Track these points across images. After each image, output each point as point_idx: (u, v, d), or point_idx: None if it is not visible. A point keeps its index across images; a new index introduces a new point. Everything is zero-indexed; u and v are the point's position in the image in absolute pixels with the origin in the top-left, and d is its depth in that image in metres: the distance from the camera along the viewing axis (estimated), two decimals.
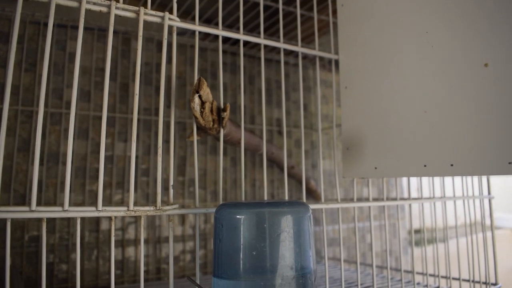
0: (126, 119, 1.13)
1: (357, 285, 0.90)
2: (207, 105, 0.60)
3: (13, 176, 0.99)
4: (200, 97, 0.58)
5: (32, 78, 1.04)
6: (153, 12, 0.62)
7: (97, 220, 1.07)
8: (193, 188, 1.19)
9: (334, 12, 0.95)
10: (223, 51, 1.28)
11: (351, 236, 1.42)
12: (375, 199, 0.79)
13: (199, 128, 0.64)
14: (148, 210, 0.58)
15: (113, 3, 0.59)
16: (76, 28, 1.11)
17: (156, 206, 0.58)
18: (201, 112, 0.60)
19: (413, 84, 0.66)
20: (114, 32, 1.15)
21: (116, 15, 0.61)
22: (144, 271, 1.11)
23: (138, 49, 0.60)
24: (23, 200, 1.00)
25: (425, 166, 0.64)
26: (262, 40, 0.72)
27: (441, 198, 0.89)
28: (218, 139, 0.71)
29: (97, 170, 1.08)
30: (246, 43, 1.24)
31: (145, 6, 0.63)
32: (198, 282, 0.60)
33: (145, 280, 1.11)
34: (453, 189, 0.93)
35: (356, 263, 0.75)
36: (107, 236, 1.08)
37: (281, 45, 0.73)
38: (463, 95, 0.60)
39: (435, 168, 0.62)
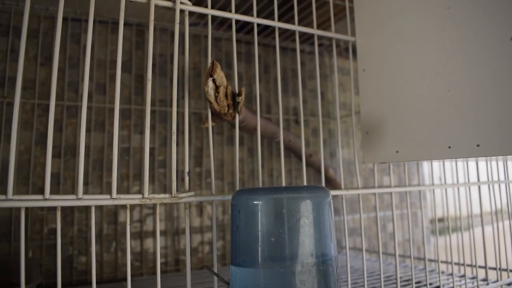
0: (142, 111, 1.12)
1: (379, 275, 0.88)
2: (222, 90, 0.58)
3: (31, 169, 0.99)
4: (214, 81, 0.57)
5: (48, 72, 1.04)
6: None
7: (115, 212, 1.07)
8: (210, 179, 1.18)
9: None
10: (238, 40, 1.27)
11: (371, 225, 1.40)
12: (396, 186, 0.77)
13: (214, 114, 0.62)
14: (164, 197, 0.57)
15: None
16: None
17: (171, 194, 0.57)
18: (216, 97, 0.58)
19: (434, 62, 0.63)
20: (128, 24, 1.15)
21: (127, 1, 0.59)
22: (163, 263, 1.11)
23: (150, 34, 0.58)
24: (42, 192, 1.00)
25: (449, 147, 0.61)
26: (276, 23, 0.70)
27: (464, 184, 0.86)
28: (234, 126, 0.69)
29: None
30: (260, 31, 1.22)
31: None
32: (216, 271, 0.59)
33: (164, 272, 1.11)
34: (477, 174, 0.89)
35: (379, 252, 0.73)
36: (125, 228, 1.08)
37: (296, 27, 0.71)
38: (488, 72, 0.57)
39: (460, 149, 0.59)
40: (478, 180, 0.88)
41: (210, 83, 0.57)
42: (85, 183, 1.05)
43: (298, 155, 1.03)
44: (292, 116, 1.31)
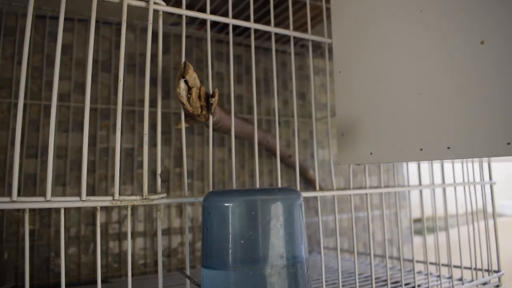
0: (122, 111, 1.11)
1: (359, 275, 0.88)
2: (194, 91, 0.58)
3: (7, 170, 0.98)
4: (186, 82, 0.57)
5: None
6: None
7: (93, 213, 1.06)
8: (191, 180, 1.18)
9: None
10: (220, 41, 1.26)
11: (350, 225, 1.41)
12: (373, 187, 0.77)
13: (187, 115, 0.62)
14: (135, 199, 0.57)
15: None
16: (69, 20, 1.09)
17: (142, 196, 0.57)
18: (188, 98, 0.58)
19: (407, 65, 0.64)
20: (108, 23, 1.14)
21: (99, 0, 0.59)
22: (142, 264, 1.10)
23: (122, 35, 0.58)
24: (19, 194, 0.99)
25: (421, 150, 0.61)
26: (252, 24, 0.69)
27: (440, 185, 0.87)
28: (207, 126, 0.69)
29: (93, 163, 1.07)
30: (242, 32, 1.22)
31: None
32: (188, 273, 0.59)
33: (143, 273, 1.10)
34: (453, 176, 0.90)
35: (354, 252, 0.73)
36: (104, 229, 1.07)
37: (272, 29, 0.71)
38: (459, 75, 0.57)
39: (432, 151, 0.60)
40: (454, 181, 0.89)
41: (182, 84, 0.56)
42: (63, 184, 1.03)
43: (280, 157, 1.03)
44: (273, 117, 1.31)
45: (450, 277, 0.89)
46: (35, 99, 1.03)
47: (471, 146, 0.56)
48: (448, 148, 0.58)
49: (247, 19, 0.71)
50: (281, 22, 1.11)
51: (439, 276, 0.90)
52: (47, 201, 0.52)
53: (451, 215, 0.90)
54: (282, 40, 1.29)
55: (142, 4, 0.61)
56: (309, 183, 1.17)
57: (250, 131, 0.84)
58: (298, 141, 1.34)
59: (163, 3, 0.63)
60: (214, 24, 1.15)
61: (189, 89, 0.58)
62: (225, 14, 0.69)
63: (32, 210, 0.99)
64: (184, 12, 0.64)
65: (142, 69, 1.15)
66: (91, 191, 1.06)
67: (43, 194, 1.00)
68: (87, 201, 0.54)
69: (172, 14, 0.63)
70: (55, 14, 1.07)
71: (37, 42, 1.05)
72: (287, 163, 1.07)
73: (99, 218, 0.56)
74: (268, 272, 0.50)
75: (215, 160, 1.21)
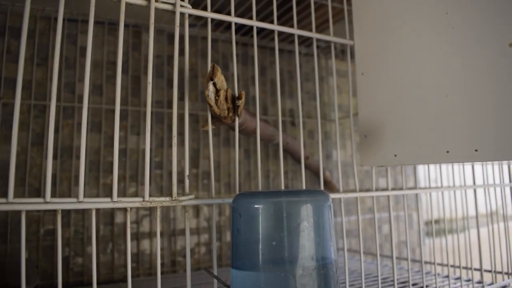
0: (139, 112, 1.12)
1: (375, 276, 0.88)
2: (222, 93, 0.59)
3: (27, 170, 0.99)
4: (214, 84, 0.57)
5: (44, 73, 1.04)
6: None
7: (111, 213, 1.07)
8: (207, 181, 1.18)
9: None
10: (235, 42, 1.26)
11: (366, 227, 1.41)
12: (393, 189, 0.78)
13: (214, 117, 0.62)
14: (164, 200, 0.57)
15: None
16: (86, 22, 1.10)
17: (171, 197, 0.57)
18: (216, 100, 0.59)
19: (433, 67, 0.64)
20: (125, 25, 1.14)
21: (127, 3, 0.59)
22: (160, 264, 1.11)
23: (150, 38, 0.59)
24: (38, 194, 1.00)
25: (447, 152, 0.61)
26: (276, 27, 0.70)
27: (461, 187, 0.87)
28: (233, 129, 0.69)
29: (111, 163, 1.08)
30: (257, 33, 1.22)
31: None
32: (215, 273, 0.59)
33: (161, 273, 1.10)
34: (473, 178, 0.90)
35: (376, 254, 0.74)
36: (122, 229, 1.08)
37: (296, 31, 0.71)
38: (486, 77, 0.57)
39: (458, 154, 0.60)
40: (474, 183, 0.89)
41: (211, 87, 0.57)
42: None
43: (295, 157, 1.04)
44: (288, 117, 1.32)
45: (469, 280, 0.89)
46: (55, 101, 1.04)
47: (499, 149, 0.56)
48: (476, 150, 0.58)
49: (264, 19, 0.71)
50: (298, 22, 1.11)
51: (458, 278, 0.90)
52: (80, 202, 0.53)
53: (470, 217, 0.90)
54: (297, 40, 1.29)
55: (169, 7, 0.62)
56: (324, 184, 1.18)
57: (271, 132, 0.84)
58: (313, 142, 1.34)
59: (189, 5, 0.63)
60: (229, 25, 1.15)
61: (217, 91, 0.58)
62: (243, 15, 0.69)
63: (51, 210, 1.00)
64: (209, 14, 0.65)
65: (159, 70, 1.16)
66: (109, 191, 1.07)
67: (63, 193, 1.02)
68: (118, 202, 0.55)
69: (190, 15, 0.63)
70: (73, 17, 1.08)
71: (54, 44, 1.06)
72: (304, 164, 1.07)
73: (129, 219, 0.56)
74: (299, 273, 0.50)
75: (230, 160, 1.22)
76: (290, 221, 0.51)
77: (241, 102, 0.61)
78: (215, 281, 0.61)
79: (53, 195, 1.01)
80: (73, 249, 1.02)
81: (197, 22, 1.14)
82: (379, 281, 0.74)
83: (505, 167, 0.96)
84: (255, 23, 0.68)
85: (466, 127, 0.59)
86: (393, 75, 0.70)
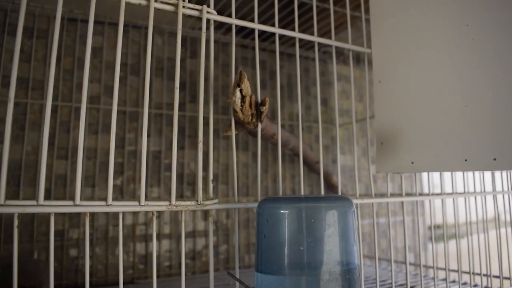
0: (150, 114, 1.13)
1: (391, 283, 0.90)
2: (247, 99, 0.59)
3: (38, 170, 0.99)
4: (241, 91, 0.58)
5: (56, 73, 1.04)
6: (191, 5, 0.62)
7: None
8: (216, 183, 1.19)
9: (356, 7, 0.94)
10: (245, 46, 1.28)
11: (371, 231, 1.42)
12: (408, 195, 0.79)
13: (237, 122, 0.63)
14: (190, 205, 0.58)
15: None
16: (100, 23, 1.10)
17: (197, 201, 0.58)
18: (241, 107, 0.59)
19: (452, 78, 0.65)
20: (137, 27, 1.15)
21: (155, 8, 0.60)
22: (167, 266, 1.11)
23: (178, 43, 0.59)
24: (49, 194, 1.00)
25: (466, 160, 0.63)
26: (297, 34, 0.71)
27: (475, 193, 0.89)
28: (252, 134, 0.70)
29: (121, 164, 1.08)
30: (268, 37, 1.24)
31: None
32: (238, 276, 0.60)
33: (168, 275, 1.11)
34: (481, 184, 0.92)
35: (390, 260, 0.75)
36: (131, 230, 1.08)
37: (316, 38, 0.72)
38: (506, 87, 0.59)
39: (477, 162, 0.61)
40: (494, 189, 0.90)
41: (238, 93, 0.58)
42: (92, 185, 1.05)
43: (307, 162, 1.05)
44: (296, 122, 1.33)
45: (477, 286, 0.91)
46: (66, 101, 1.04)
47: None
48: (495, 159, 0.60)
49: (272, 26, 0.72)
50: (308, 28, 1.13)
51: (465, 283, 0.92)
52: (108, 205, 0.53)
53: (474, 222, 0.92)
54: (306, 46, 1.31)
55: (196, 13, 0.62)
56: (331, 189, 1.19)
57: (287, 138, 0.85)
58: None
59: (215, 12, 0.64)
60: (240, 29, 1.16)
61: (243, 97, 0.59)
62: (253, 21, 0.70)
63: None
64: (234, 21, 0.66)
65: (170, 73, 1.17)
66: (119, 193, 1.07)
67: (72, 194, 1.02)
68: (145, 206, 0.55)
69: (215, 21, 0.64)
70: (86, 18, 1.08)
71: (68, 45, 1.06)
72: (313, 168, 1.09)
73: (155, 223, 0.57)
74: (326, 278, 0.51)
75: (239, 164, 1.23)
76: (317, 226, 0.52)
77: (265, 109, 0.62)
78: (238, 284, 0.61)
79: (63, 195, 1.01)
80: (82, 250, 1.02)
81: (210, 25, 1.15)
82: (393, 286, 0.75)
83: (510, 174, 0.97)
84: (277, 30, 0.69)
85: (485, 137, 0.61)
86: (411, 84, 0.71)
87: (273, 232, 0.54)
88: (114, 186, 1.07)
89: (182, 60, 1.18)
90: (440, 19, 0.68)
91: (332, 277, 0.52)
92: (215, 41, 1.23)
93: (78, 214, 1.03)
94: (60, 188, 1.01)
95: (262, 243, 0.55)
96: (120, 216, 0.55)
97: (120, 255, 0.55)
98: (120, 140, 1.09)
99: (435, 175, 1.27)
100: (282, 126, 1.26)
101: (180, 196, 1.13)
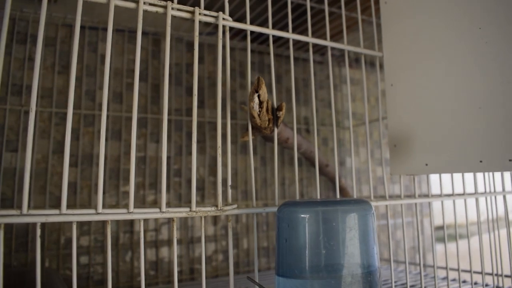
0: (158, 120, 1.13)
1: (405, 286, 0.90)
2: (264, 105, 0.60)
3: (48, 178, 0.99)
4: (259, 96, 0.58)
5: (65, 81, 1.04)
6: (207, 12, 0.62)
7: (131, 221, 1.07)
8: (225, 188, 1.19)
9: (364, 10, 0.95)
10: (252, 50, 1.28)
11: (379, 233, 1.42)
12: (421, 196, 0.79)
13: (253, 127, 0.64)
14: (209, 210, 0.58)
15: (169, 4, 0.59)
16: (106, 30, 1.11)
17: (217, 207, 0.58)
18: (259, 112, 0.60)
19: (465, 80, 0.66)
20: (144, 33, 1.15)
21: (159, 14, 0.60)
22: (178, 272, 1.11)
23: (195, 50, 0.60)
24: (58, 202, 1.00)
25: (481, 161, 0.63)
26: (310, 39, 0.71)
27: (489, 193, 0.89)
28: (266, 139, 0.71)
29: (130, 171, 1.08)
30: (273, 41, 1.24)
31: (198, 6, 0.62)
32: (257, 280, 0.60)
33: (179, 281, 1.11)
34: (484, 185, 0.92)
35: (405, 262, 0.75)
36: (141, 237, 1.08)
37: (329, 43, 0.73)
38: None
39: (492, 164, 0.62)
40: (505, 189, 0.91)
41: (256, 99, 0.58)
42: (102, 192, 1.05)
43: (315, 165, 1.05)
44: (303, 125, 1.33)
45: (487, 285, 0.91)
46: (75, 108, 1.04)
47: None
48: (510, 160, 0.60)
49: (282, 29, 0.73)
50: (314, 32, 1.13)
51: (476, 283, 0.92)
52: (130, 212, 0.54)
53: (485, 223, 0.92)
54: (313, 50, 1.31)
55: (212, 20, 0.63)
56: (340, 191, 1.19)
57: (300, 142, 0.86)
58: (327, 149, 1.36)
59: (230, 18, 0.64)
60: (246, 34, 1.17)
61: (260, 103, 0.60)
62: (261, 25, 0.70)
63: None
64: (249, 27, 0.66)
65: (178, 78, 1.17)
66: (128, 199, 1.07)
67: (82, 202, 1.02)
68: (166, 213, 0.55)
69: (209, 24, 0.64)
70: (94, 25, 1.08)
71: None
72: (323, 172, 1.09)
73: (175, 229, 0.57)
74: (349, 280, 0.52)
75: (247, 168, 1.23)
76: (339, 230, 0.53)
77: (282, 114, 0.62)
78: None
79: (73, 203, 1.01)
80: (93, 257, 1.02)
81: (216, 30, 1.16)
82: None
83: None
84: (291, 36, 0.69)
85: (500, 138, 0.61)
86: (424, 87, 0.72)
87: (294, 236, 0.54)
88: (124, 193, 1.07)
89: (189, 65, 1.19)
90: (452, 22, 0.68)
91: (354, 280, 0.52)
92: (223, 47, 1.23)
93: (89, 222, 1.03)
94: (70, 196, 1.01)
95: (283, 247, 0.55)
96: (141, 223, 0.56)
97: (142, 262, 0.55)
98: (128, 146, 1.09)
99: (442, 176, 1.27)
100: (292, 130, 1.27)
101: (188, 202, 1.13)
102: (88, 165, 1.04)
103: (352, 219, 0.54)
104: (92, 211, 0.52)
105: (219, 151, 0.60)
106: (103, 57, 1.09)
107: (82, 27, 1.07)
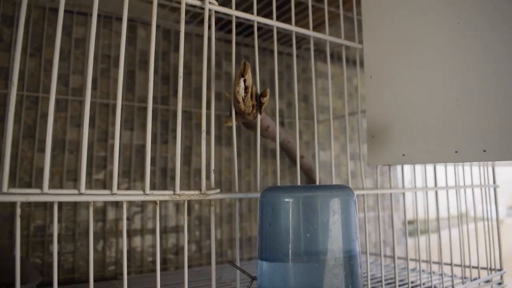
0: (132, 107, 1.11)
1: (380, 277, 0.92)
2: (249, 90, 0.60)
3: (18, 163, 0.96)
4: (244, 81, 0.58)
5: (37, 63, 1.01)
6: None
7: (103, 209, 1.05)
8: (198, 178, 1.18)
9: (346, 2, 0.96)
10: (228, 41, 1.28)
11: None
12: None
13: (237, 113, 0.64)
14: (193, 194, 0.58)
15: None
16: (82, 14, 1.08)
17: (201, 191, 0.58)
18: (244, 97, 0.60)
19: (443, 73, 0.68)
20: (119, 19, 1.13)
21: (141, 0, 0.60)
22: (150, 261, 1.10)
23: (181, 34, 0.59)
24: (29, 187, 0.97)
25: (456, 152, 0.66)
26: (294, 28, 0.72)
27: (452, 187, 0.93)
28: (248, 125, 0.71)
29: (104, 158, 1.06)
30: (251, 33, 1.24)
31: None
32: (239, 265, 0.61)
33: (152, 271, 1.10)
34: (455, 178, 0.96)
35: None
36: (114, 225, 1.06)
37: (311, 33, 0.74)
38: (496, 83, 0.62)
39: (467, 154, 0.64)
40: (464, 184, 0.95)
41: (242, 83, 0.58)
42: (74, 179, 1.02)
43: (291, 156, 1.06)
44: (279, 118, 1.34)
45: (465, 277, 0.94)
46: (47, 93, 1.01)
47: (506, 150, 0.61)
48: (484, 151, 0.63)
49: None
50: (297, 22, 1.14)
51: (441, 274, 0.95)
52: (113, 194, 0.53)
53: (453, 217, 0.96)
54: (289, 43, 1.32)
55: (198, 3, 0.62)
56: (313, 183, 1.21)
57: (279, 131, 0.86)
58: (301, 143, 1.37)
59: (216, 2, 0.64)
60: (225, 24, 1.16)
61: (245, 88, 0.60)
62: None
63: (42, 205, 0.98)
64: (234, 12, 0.66)
65: (154, 66, 1.15)
66: (102, 187, 1.05)
67: (55, 189, 0.99)
68: (150, 195, 0.55)
69: (187, 12, 0.64)
70: (69, 8, 1.05)
71: (49, 35, 1.03)
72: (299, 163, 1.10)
73: (158, 212, 0.57)
74: (332, 264, 0.53)
75: (222, 158, 1.23)
76: (322, 214, 0.54)
77: (265, 100, 0.62)
78: (238, 273, 0.62)
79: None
80: (64, 245, 1.00)
81: (193, 19, 1.15)
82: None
83: (490, 169, 1.02)
84: (275, 23, 0.70)
85: (475, 129, 0.64)
86: (402, 79, 0.74)
87: (278, 220, 0.55)
88: (97, 180, 1.05)
89: (165, 53, 1.17)
90: (431, 15, 0.71)
91: (337, 263, 0.53)
92: (197, 35, 1.22)
93: (61, 208, 1.00)
94: (39, 181, 0.98)
95: (267, 232, 0.55)
96: (124, 205, 0.55)
97: (124, 247, 0.54)
98: (103, 133, 1.07)
99: (409, 170, 1.31)
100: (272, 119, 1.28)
101: (164, 189, 1.12)
102: (60, 151, 1.01)
103: (336, 204, 0.55)
104: (75, 191, 0.51)
105: (203, 135, 0.60)
106: (77, 41, 1.06)
107: (55, 10, 1.04)
